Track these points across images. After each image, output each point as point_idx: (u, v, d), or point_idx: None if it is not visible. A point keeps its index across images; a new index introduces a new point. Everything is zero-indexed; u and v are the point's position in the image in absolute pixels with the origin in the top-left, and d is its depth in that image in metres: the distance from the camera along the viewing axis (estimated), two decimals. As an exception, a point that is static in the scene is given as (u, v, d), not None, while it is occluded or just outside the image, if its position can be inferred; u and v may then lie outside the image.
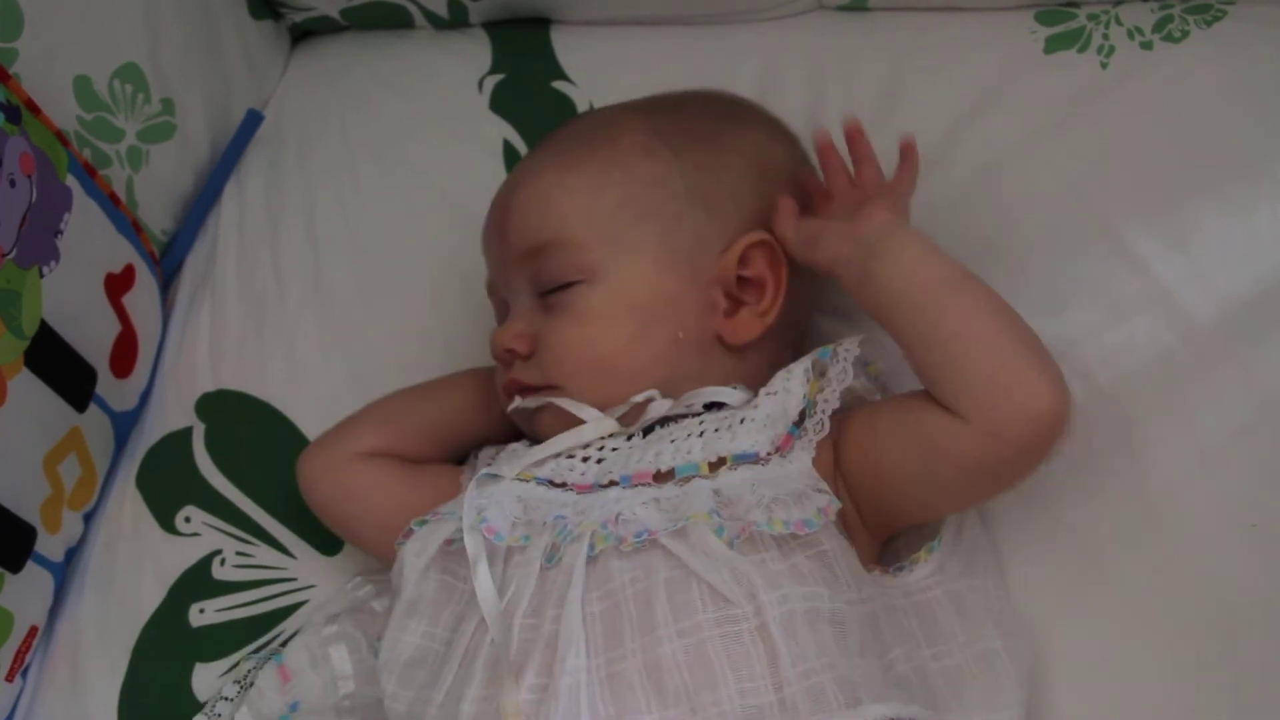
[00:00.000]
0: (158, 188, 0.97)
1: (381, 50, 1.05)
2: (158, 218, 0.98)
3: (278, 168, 1.02)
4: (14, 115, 0.75)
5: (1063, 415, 0.63)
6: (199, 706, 0.81)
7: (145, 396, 0.94)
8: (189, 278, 0.99)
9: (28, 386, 0.78)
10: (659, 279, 0.72)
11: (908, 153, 0.78)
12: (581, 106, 0.98)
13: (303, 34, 1.09)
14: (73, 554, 0.89)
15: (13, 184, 0.74)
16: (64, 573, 0.88)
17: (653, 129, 0.77)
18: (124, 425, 0.92)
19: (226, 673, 0.82)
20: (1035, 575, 0.74)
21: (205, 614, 0.85)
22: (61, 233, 0.80)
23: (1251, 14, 0.85)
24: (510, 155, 0.98)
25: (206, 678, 0.83)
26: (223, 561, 0.87)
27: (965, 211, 0.85)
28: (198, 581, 0.86)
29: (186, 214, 1.01)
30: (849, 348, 0.70)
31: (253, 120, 1.04)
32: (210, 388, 0.93)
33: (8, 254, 0.74)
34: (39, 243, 0.78)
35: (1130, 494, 0.74)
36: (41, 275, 0.78)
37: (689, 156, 0.75)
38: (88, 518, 0.90)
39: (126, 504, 0.90)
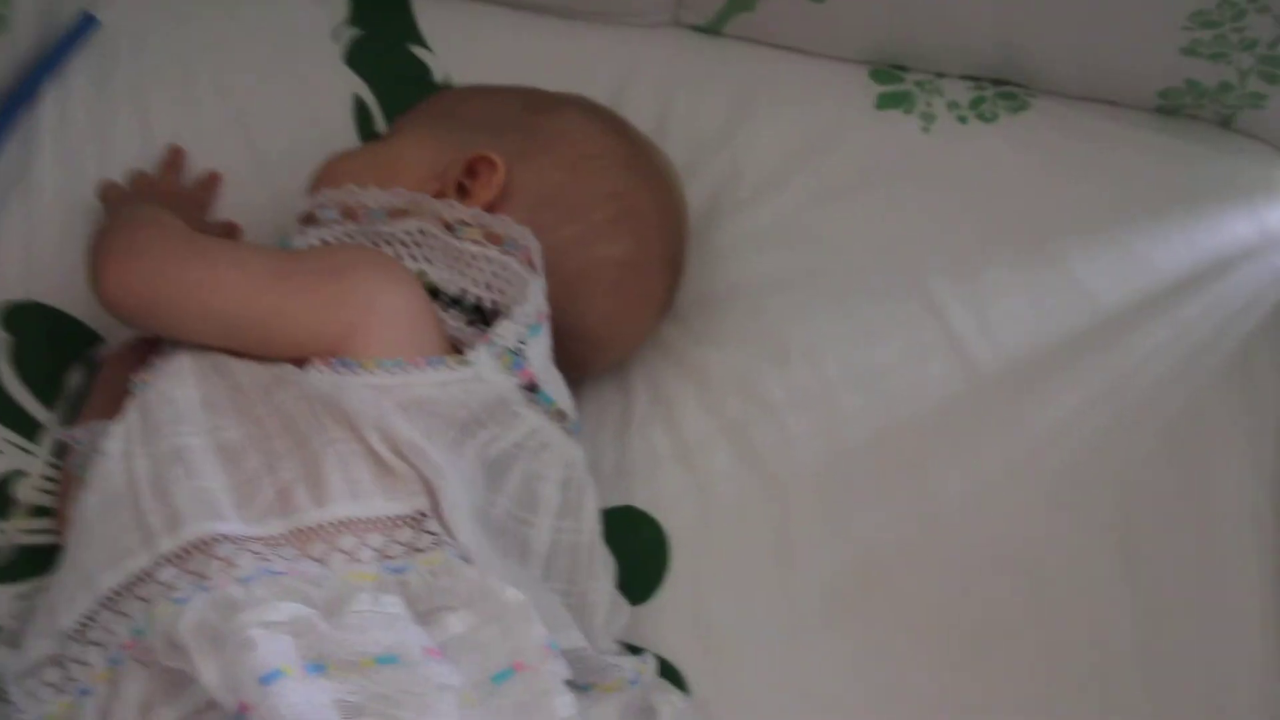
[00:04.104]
0: (-22, 81, 0.92)
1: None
2: (-30, 112, 0.93)
3: (108, 78, 0.98)
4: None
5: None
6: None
7: (-60, 296, 0.89)
8: (-1, 178, 0.94)
9: None
10: None
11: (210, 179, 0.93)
12: (438, 76, 1.00)
13: (145, -57, 1.05)
14: None
15: None
16: None
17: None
18: (-84, 323, 0.87)
19: (22, 597, 0.80)
20: (824, 575, 0.83)
21: (4, 534, 0.82)
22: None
23: (1050, 109, 0.98)
24: (362, 112, 0.99)
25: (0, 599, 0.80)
26: (26, 483, 0.84)
27: (794, 240, 0.94)
28: (-5, 498, 0.83)
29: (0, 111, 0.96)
30: None
31: (86, 24, 0.99)
32: (20, 297, 0.89)
33: None
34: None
35: (915, 516, 0.84)
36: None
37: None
38: None
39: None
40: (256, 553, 0.64)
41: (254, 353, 0.72)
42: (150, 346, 0.80)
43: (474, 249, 0.76)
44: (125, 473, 0.68)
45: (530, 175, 0.80)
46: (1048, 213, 0.93)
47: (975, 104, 0.98)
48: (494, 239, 0.77)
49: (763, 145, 0.97)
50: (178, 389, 0.70)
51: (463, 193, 0.80)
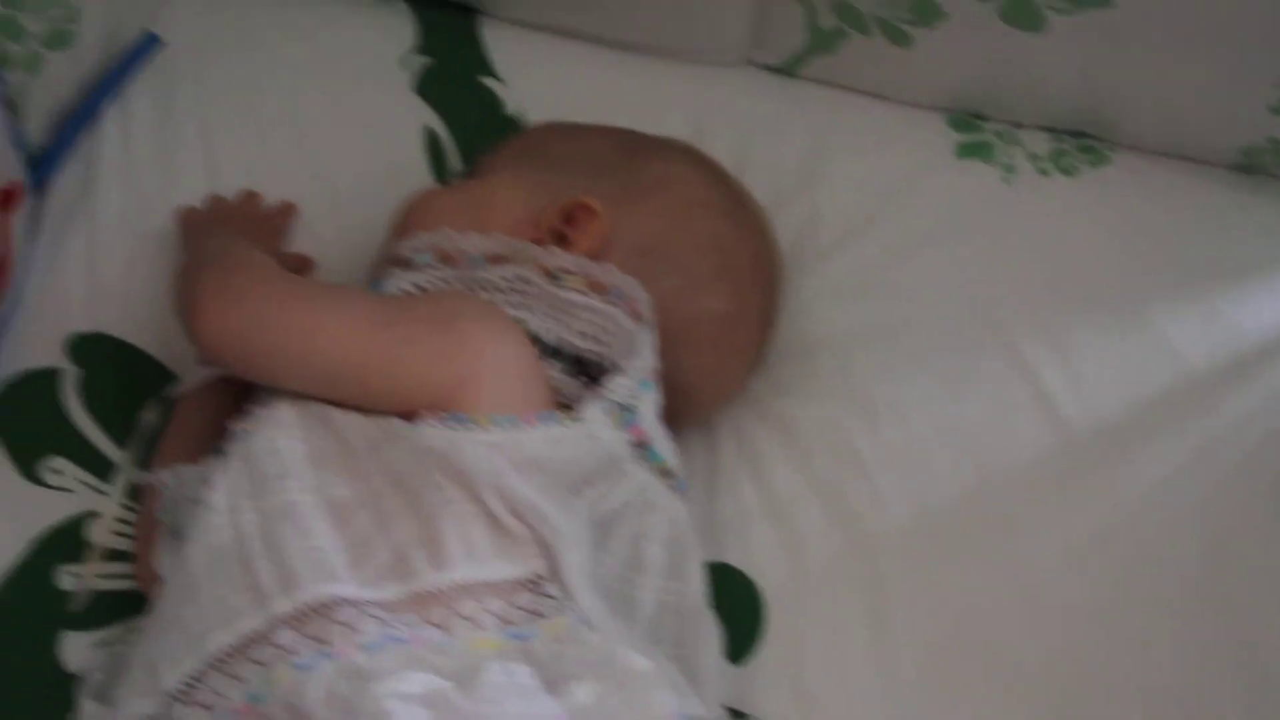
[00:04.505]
0: (44, 98, 0.89)
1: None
2: (33, 130, 0.90)
3: (171, 101, 0.95)
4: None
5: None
6: (65, 674, 0.76)
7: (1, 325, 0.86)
8: (59, 201, 0.91)
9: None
10: None
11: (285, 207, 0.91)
12: (510, 106, 0.98)
13: (208, -37, 1.02)
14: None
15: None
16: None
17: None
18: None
19: (101, 645, 0.77)
20: (920, 636, 0.82)
21: (79, 579, 0.79)
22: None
23: (1130, 164, 0.98)
24: (433, 143, 0.96)
25: (77, 646, 0.77)
26: (99, 525, 0.81)
27: (879, 292, 0.92)
28: (67, 542, 0.80)
29: (60, 129, 0.92)
30: None
31: (149, 43, 0.97)
32: (86, 328, 0.86)
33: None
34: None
35: (1008, 576, 0.83)
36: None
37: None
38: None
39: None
40: (377, 618, 0.62)
41: (356, 403, 0.69)
42: (230, 387, 0.78)
43: (577, 298, 0.74)
44: (232, 527, 0.65)
45: (631, 222, 0.78)
46: (1132, 272, 0.93)
47: (1056, 156, 0.98)
48: (598, 288, 0.75)
49: (842, 191, 0.96)
50: (282, 440, 0.67)
51: (561, 239, 0.78)
